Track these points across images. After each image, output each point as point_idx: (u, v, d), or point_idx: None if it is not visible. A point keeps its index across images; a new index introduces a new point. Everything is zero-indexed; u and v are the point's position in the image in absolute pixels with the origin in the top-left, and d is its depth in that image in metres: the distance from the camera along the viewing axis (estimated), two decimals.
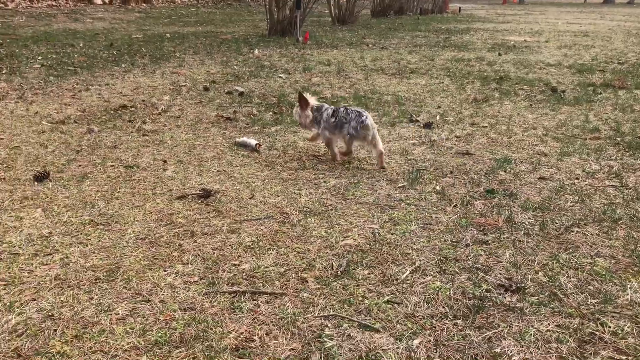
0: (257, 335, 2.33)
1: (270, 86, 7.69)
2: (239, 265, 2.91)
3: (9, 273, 2.80)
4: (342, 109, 4.48)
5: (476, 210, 3.59)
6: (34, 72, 8.16)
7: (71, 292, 2.65)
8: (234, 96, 7.03)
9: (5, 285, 2.70)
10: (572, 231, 3.28)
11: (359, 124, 4.32)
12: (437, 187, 3.98)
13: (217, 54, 10.57)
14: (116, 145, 4.94)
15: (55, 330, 2.36)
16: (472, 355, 2.21)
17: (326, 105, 4.64)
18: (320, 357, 2.19)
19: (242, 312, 2.50)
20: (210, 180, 4.13)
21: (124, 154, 4.68)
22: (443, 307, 2.54)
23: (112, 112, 6.10)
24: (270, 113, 6.17)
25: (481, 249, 3.07)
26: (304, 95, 4.67)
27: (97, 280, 2.75)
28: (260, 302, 2.58)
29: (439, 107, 6.58)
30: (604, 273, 2.81)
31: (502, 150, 4.86)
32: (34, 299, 2.59)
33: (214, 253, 3.04)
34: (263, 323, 2.42)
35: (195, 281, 2.76)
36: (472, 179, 4.16)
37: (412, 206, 3.67)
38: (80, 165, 4.39)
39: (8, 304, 2.54)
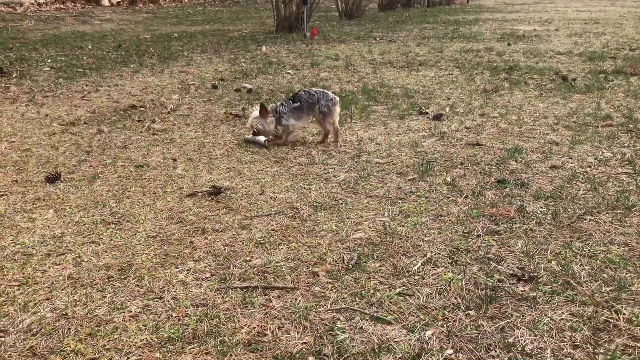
0: (269, 329, 2.34)
1: (279, 82, 7.68)
2: (250, 260, 2.92)
3: (23, 273, 2.83)
4: (303, 93, 4.85)
5: (487, 200, 3.57)
6: (43, 75, 8.21)
7: (84, 291, 2.67)
8: (242, 93, 7.04)
9: (19, 285, 2.72)
10: (585, 219, 3.25)
11: (329, 102, 4.77)
12: (448, 179, 3.96)
13: (224, 52, 10.59)
14: (126, 145, 4.96)
15: (69, 328, 2.38)
16: (485, 346, 2.19)
17: (273, 105, 4.95)
18: (333, 350, 2.19)
19: (254, 307, 2.50)
20: (220, 177, 4.14)
21: (134, 154, 4.70)
22: (455, 298, 2.52)
23: (121, 112, 6.13)
24: None
25: (493, 239, 3.05)
26: (265, 104, 4.91)
27: (110, 279, 2.77)
28: (272, 296, 2.59)
29: (449, 98, 6.55)
30: (617, 260, 2.78)
31: (513, 140, 4.83)
32: (48, 299, 2.61)
33: (225, 249, 3.05)
34: (275, 317, 2.42)
35: (206, 277, 2.76)
36: (483, 169, 4.13)
37: (423, 198, 3.65)
38: (91, 166, 4.42)
39: (22, 304, 2.56)
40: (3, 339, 2.32)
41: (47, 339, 2.31)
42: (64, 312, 2.49)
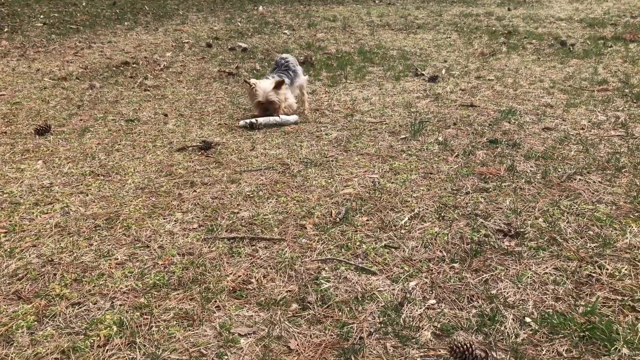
0: (255, 278, 2.35)
1: (274, 42, 7.59)
2: (238, 213, 2.92)
3: (10, 221, 2.83)
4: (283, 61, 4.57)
5: (478, 159, 3.56)
6: (35, 31, 8.09)
7: (71, 238, 2.67)
8: (237, 52, 6.96)
9: (6, 232, 2.72)
10: (575, 179, 3.24)
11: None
12: (440, 138, 3.94)
13: (220, 11, 10.42)
14: (117, 100, 4.91)
15: (55, 274, 2.38)
16: (467, 297, 2.21)
17: (272, 76, 4.43)
18: (317, 298, 2.20)
19: (240, 257, 2.51)
20: (211, 132, 4.12)
21: (125, 108, 4.66)
22: (440, 251, 2.53)
23: (114, 68, 6.05)
24: None
25: (481, 197, 3.05)
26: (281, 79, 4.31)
27: (97, 228, 2.77)
28: (259, 247, 2.59)
29: (445, 61, 6.48)
30: (604, 219, 2.79)
31: (508, 102, 4.79)
32: (34, 246, 2.61)
33: (213, 202, 3.04)
34: (261, 267, 2.43)
35: (194, 228, 2.76)
36: (476, 130, 4.11)
37: (414, 156, 3.64)
38: (81, 119, 4.38)
39: (8, 250, 2.56)
40: None
41: (33, 284, 2.32)
42: (50, 259, 2.50)
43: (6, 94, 5.03)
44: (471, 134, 4.02)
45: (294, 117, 4.33)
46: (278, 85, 4.24)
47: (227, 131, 4.14)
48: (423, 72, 5.84)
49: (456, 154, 3.66)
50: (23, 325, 2.06)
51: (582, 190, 3.10)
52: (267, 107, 4.25)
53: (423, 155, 3.65)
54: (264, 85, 4.25)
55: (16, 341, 1.99)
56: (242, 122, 4.21)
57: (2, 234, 2.70)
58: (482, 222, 2.77)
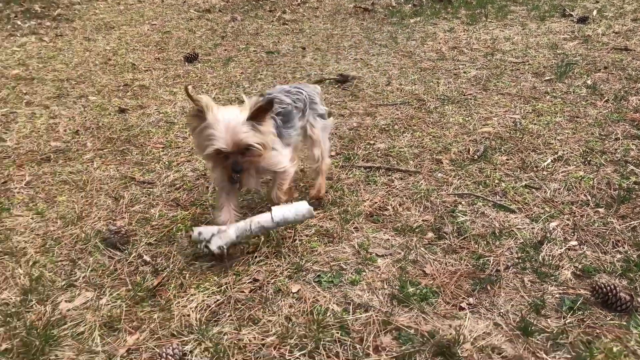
0: (391, 205, 2.40)
1: None
2: (374, 144, 2.97)
3: (167, 138, 3.09)
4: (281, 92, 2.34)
5: (631, 105, 3.31)
6: None
7: None
8: None
9: (163, 147, 2.98)
10: None
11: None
12: (588, 82, 3.69)
13: None
14: (258, 32, 5.08)
15: (207, 187, 2.59)
16: (612, 242, 2.12)
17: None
18: (452, 230, 2.22)
19: (377, 185, 2.57)
20: (347, 67, 4.16)
21: (265, 41, 4.82)
22: (585, 195, 2.43)
23: (253, 2, 6.23)
24: (410, 5, 5.97)
25: (633, 144, 2.85)
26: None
27: None
28: (394, 177, 2.64)
29: (597, 1, 5.97)
30: None
31: None
32: (189, 161, 2.84)
33: (350, 132, 3.11)
34: (397, 196, 2.48)
35: (332, 155, 2.85)
36: (630, 75, 3.80)
37: (559, 99, 3.46)
38: (225, 50, 4.60)
39: (167, 162, 2.82)
40: (152, 189, 2.59)
41: (189, 194, 2.55)
42: (203, 173, 2.71)
43: (157, 24, 5.37)
44: (624, 79, 3.73)
45: (304, 206, 2.08)
46: (259, 113, 2.02)
47: (362, 66, 4.16)
48: (571, 13, 5.44)
49: (606, 98, 3.42)
50: (182, 229, 2.29)
51: None
52: (237, 162, 2.02)
53: (569, 98, 3.46)
54: (228, 114, 2.00)
55: (176, 241, 2.21)
56: (194, 234, 2.06)
57: (161, 149, 2.97)
58: (632, 169, 2.61)
